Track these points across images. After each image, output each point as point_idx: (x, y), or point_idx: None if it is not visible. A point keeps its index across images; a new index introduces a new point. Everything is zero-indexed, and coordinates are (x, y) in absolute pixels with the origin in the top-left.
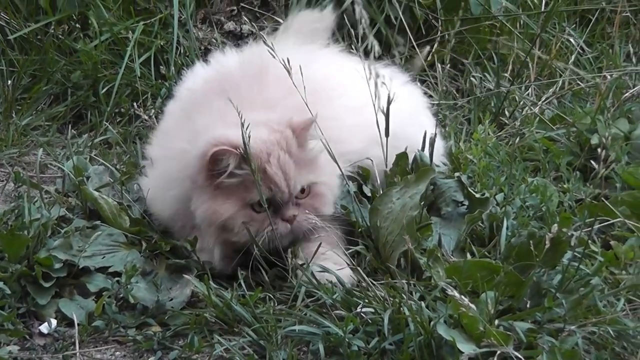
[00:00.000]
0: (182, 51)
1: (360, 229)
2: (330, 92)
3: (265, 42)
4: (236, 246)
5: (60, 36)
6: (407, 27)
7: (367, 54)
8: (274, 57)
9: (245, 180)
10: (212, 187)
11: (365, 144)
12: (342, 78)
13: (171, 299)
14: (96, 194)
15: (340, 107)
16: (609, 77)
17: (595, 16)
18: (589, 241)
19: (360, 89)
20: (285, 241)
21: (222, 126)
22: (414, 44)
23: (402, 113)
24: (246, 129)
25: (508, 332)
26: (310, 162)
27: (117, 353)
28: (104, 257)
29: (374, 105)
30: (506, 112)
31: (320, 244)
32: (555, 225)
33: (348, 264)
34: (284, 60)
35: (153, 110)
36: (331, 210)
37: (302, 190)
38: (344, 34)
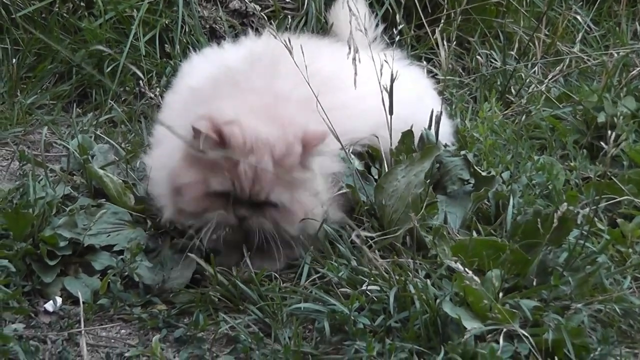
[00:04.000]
0: (187, 30)
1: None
2: (338, 83)
3: (274, 34)
4: (186, 216)
5: (64, 14)
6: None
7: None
8: (288, 49)
9: (217, 162)
10: (187, 150)
11: (373, 130)
12: (349, 69)
13: (174, 278)
14: (101, 172)
15: (348, 96)
16: (615, 55)
17: None
18: (596, 219)
19: (368, 78)
20: (237, 235)
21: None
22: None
23: (409, 98)
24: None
25: (514, 310)
26: (298, 183)
27: (123, 331)
28: (109, 235)
29: (379, 84)
30: (512, 91)
31: None
32: (565, 204)
33: None
34: (293, 51)
35: (158, 89)
36: (295, 232)
37: (272, 203)
38: None
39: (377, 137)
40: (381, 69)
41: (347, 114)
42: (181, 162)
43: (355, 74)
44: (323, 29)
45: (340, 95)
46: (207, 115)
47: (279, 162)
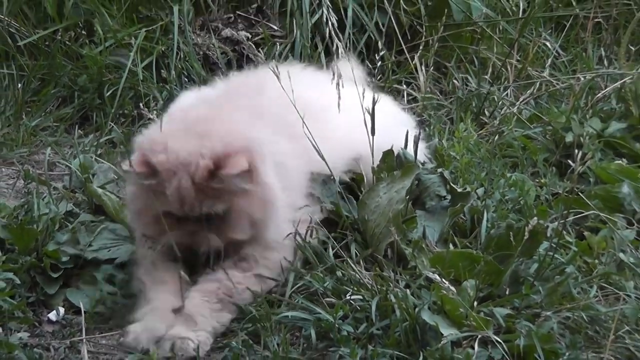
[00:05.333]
0: (182, 56)
1: (349, 222)
2: (322, 113)
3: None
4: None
5: (67, 42)
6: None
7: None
8: (276, 76)
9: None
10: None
11: (355, 156)
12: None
13: None
14: (100, 190)
15: (331, 125)
16: (582, 78)
17: (570, 22)
18: (564, 232)
19: (347, 109)
20: (201, 251)
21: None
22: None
23: (387, 124)
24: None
25: (488, 318)
26: (225, 192)
27: (122, 339)
28: (110, 250)
29: (362, 107)
30: (486, 112)
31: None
32: (535, 218)
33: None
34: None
35: (155, 112)
36: (243, 236)
37: (211, 214)
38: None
39: (357, 160)
40: (363, 93)
41: (328, 144)
42: (135, 188)
43: (339, 97)
44: (311, 56)
45: (321, 124)
46: (141, 145)
47: (193, 177)
